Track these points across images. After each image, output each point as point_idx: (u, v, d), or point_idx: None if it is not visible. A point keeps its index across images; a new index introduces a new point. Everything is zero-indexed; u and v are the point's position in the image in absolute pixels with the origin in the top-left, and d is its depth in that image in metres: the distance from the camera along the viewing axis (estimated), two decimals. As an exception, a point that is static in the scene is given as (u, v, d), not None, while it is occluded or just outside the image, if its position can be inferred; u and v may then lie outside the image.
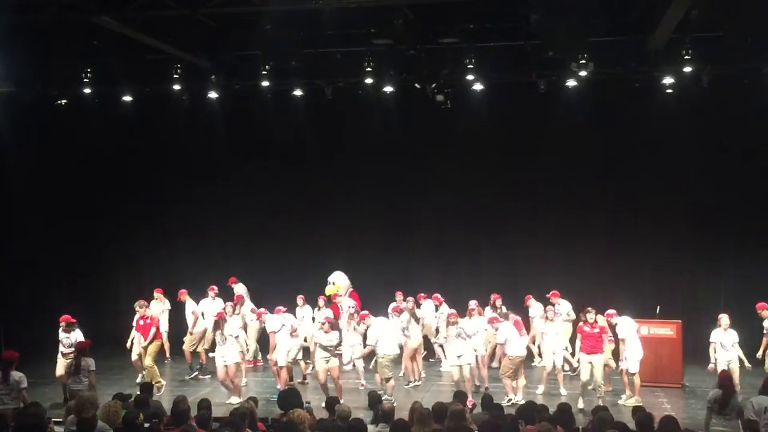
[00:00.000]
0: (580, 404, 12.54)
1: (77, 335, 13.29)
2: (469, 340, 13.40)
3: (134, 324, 14.63)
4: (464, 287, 16.11)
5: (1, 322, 16.83)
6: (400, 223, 18.08)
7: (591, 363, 12.75)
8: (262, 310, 14.44)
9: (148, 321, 14.49)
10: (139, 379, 14.35)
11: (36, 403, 9.20)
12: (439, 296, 15.76)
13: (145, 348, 14.25)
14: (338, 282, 16.08)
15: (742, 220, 16.37)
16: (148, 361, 14.15)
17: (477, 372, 13.98)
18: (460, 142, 17.39)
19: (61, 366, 13.25)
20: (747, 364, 13.01)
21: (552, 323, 13.96)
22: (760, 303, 13.14)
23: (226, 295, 15.94)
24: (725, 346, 12.85)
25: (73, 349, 12.83)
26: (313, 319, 15.41)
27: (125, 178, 18.55)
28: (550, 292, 14.95)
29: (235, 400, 12.96)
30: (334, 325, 13.82)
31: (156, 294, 16.05)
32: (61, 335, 13.39)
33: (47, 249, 18.04)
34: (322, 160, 18.06)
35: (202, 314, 15.50)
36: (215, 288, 15.95)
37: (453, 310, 14.01)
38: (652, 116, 15.93)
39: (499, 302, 15.04)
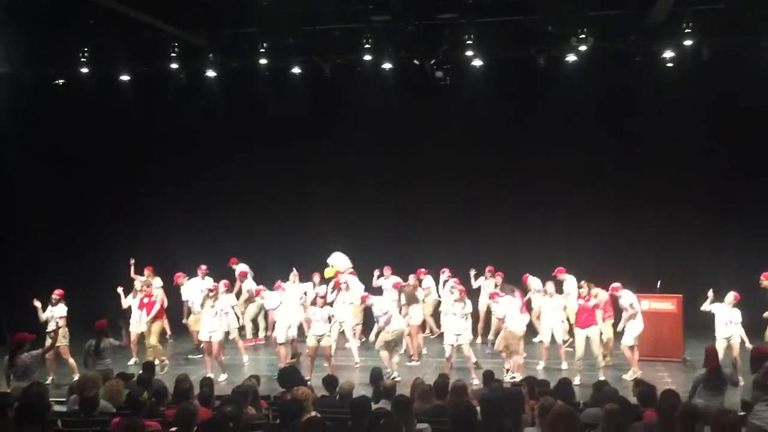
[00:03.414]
0: (577, 381, 12.26)
1: (59, 310, 13.40)
2: (467, 319, 13.26)
3: (137, 304, 14.50)
4: (466, 265, 16.11)
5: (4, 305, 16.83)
6: (399, 200, 18.05)
7: (587, 336, 12.79)
8: (260, 287, 14.45)
9: (153, 299, 14.45)
10: (131, 362, 14.27)
11: (38, 383, 9.24)
12: (447, 270, 15.77)
13: (149, 326, 14.18)
14: (336, 263, 16.02)
15: (742, 194, 16.34)
16: (152, 339, 14.10)
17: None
18: (460, 118, 17.33)
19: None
20: (748, 344, 12.55)
21: (551, 298, 13.97)
22: (765, 272, 13.04)
23: (225, 275, 15.77)
24: (725, 321, 12.77)
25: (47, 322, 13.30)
26: (306, 294, 15.36)
27: (123, 157, 18.45)
28: (556, 270, 14.92)
29: (222, 378, 13.04)
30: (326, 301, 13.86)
31: (146, 272, 15.88)
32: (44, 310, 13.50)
33: (43, 229, 17.98)
34: (320, 138, 17.97)
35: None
36: (204, 267, 15.81)
37: (462, 287, 13.75)
38: (652, 90, 15.84)
39: (500, 280, 15.08)
